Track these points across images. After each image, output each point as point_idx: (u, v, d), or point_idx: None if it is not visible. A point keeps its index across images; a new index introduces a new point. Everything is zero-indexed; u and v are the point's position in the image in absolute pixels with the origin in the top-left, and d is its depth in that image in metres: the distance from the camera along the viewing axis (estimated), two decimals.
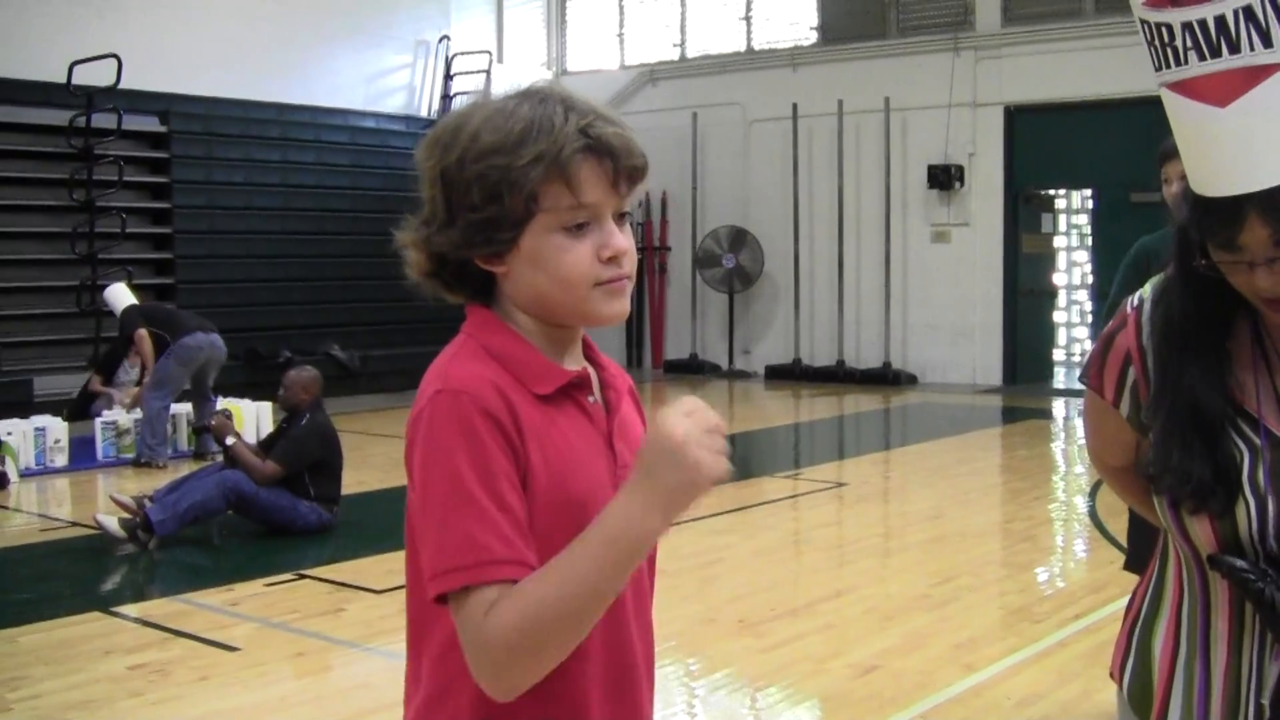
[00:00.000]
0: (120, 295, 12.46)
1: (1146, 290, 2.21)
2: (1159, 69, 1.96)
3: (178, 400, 12.23)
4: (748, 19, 20.37)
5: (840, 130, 18.85)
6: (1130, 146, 16.29)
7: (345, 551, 8.46)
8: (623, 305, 1.85)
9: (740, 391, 18.46)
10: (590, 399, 1.90)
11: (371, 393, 16.90)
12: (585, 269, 1.81)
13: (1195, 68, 1.90)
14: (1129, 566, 5.30)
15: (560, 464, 1.79)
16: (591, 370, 1.95)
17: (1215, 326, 2.12)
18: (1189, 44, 1.90)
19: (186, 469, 10.57)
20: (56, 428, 11.79)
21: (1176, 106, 1.97)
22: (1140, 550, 4.95)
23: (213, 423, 9.17)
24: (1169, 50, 1.93)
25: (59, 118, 15.23)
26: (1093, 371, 2.30)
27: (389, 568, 8.00)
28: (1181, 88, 1.94)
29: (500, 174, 1.78)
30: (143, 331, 11.87)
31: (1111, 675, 2.41)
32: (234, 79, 17.29)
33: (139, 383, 12.53)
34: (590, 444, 1.86)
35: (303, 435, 8.92)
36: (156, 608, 7.17)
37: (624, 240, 1.83)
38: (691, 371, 20.24)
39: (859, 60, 18.93)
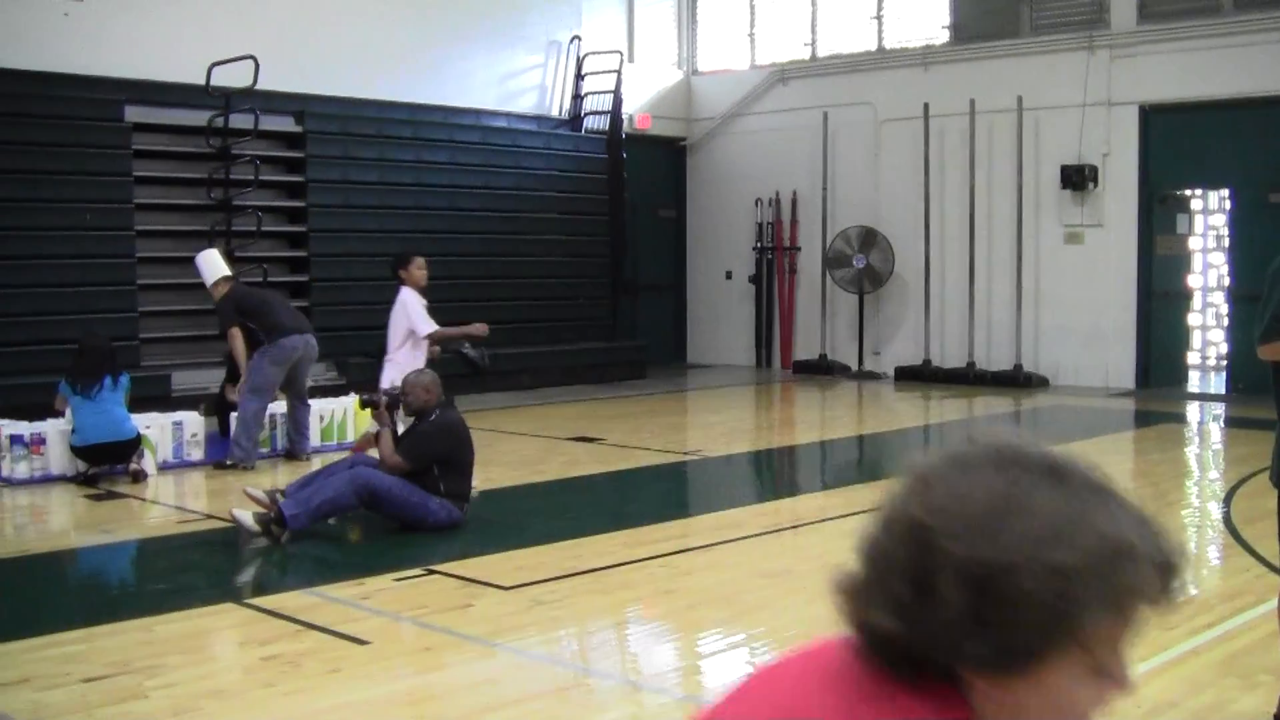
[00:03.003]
0: (213, 264, 12.26)
1: None
2: None
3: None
4: (879, 18, 20.24)
5: (972, 130, 18.67)
6: (1269, 146, 16.02)
7: (474, 548, 8.53)
8: None
9: (870, 393, 18.35)
10: None
11: (501, 390, 17.03)
12: (1086, 712, 1.52)
13: None
14: (1275, 479, 5.26)
15: None
16: None
17: None
18: None
19: (286, 469, 10.72)
20: (193, 422, 12.00)
21: None
22: None
23: (383, 400, 9.25)
24: None
25: (198, 118, 15.53)
26: None
27: (517, 564, 8.06)
28: None
29: (1060, 606, 1.45)
30: (236, 330, 11.86)
31: None
32: (368, 79, 17.50)
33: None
34: None
35: (429, 431, 9.01)
36: (289, 600, 7.28)
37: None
38: (821, 372, 20.16)
39: (992, 59, 18.73)
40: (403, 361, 10.22)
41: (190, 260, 13.27)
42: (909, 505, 1.52)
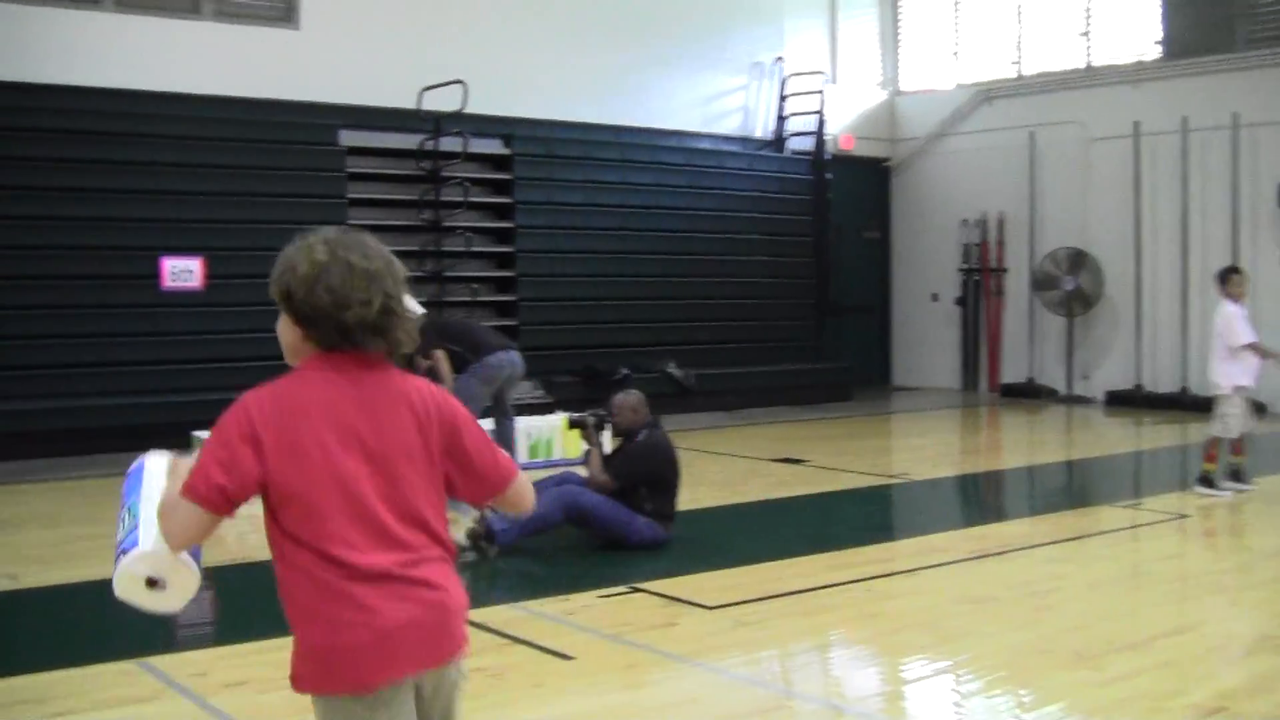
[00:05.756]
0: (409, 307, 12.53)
1: None
2: None
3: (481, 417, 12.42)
4: (1087, 34, 19.90)
5: (1184, 148, 18.25)
6: None
7: (679, 567, 8.56)
8: None
9: (1079, 417, 18.02)
10: None
11: (707, 410, 17.09)
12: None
13: None
14: None
15: None
16: None
17: None
18: None
19: None
20: None
21: None
22: None
23: (591, 420, 9.41)
24: None
25: (409, 142, 15.91)
26: None
27: (722, 584, 8.08)
28: None
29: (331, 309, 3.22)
30: (440, 352, 11.79)
31: None
32: (574, 103, 17.74)
33: None
34: None
35: (637, 451, 9.10)
36: (496, 614, 7.37)
37: None
38: (1028, 396, 19.86)
39: (1205, 75, 18.27)
40: (1226, 369, 11.48)
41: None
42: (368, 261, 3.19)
